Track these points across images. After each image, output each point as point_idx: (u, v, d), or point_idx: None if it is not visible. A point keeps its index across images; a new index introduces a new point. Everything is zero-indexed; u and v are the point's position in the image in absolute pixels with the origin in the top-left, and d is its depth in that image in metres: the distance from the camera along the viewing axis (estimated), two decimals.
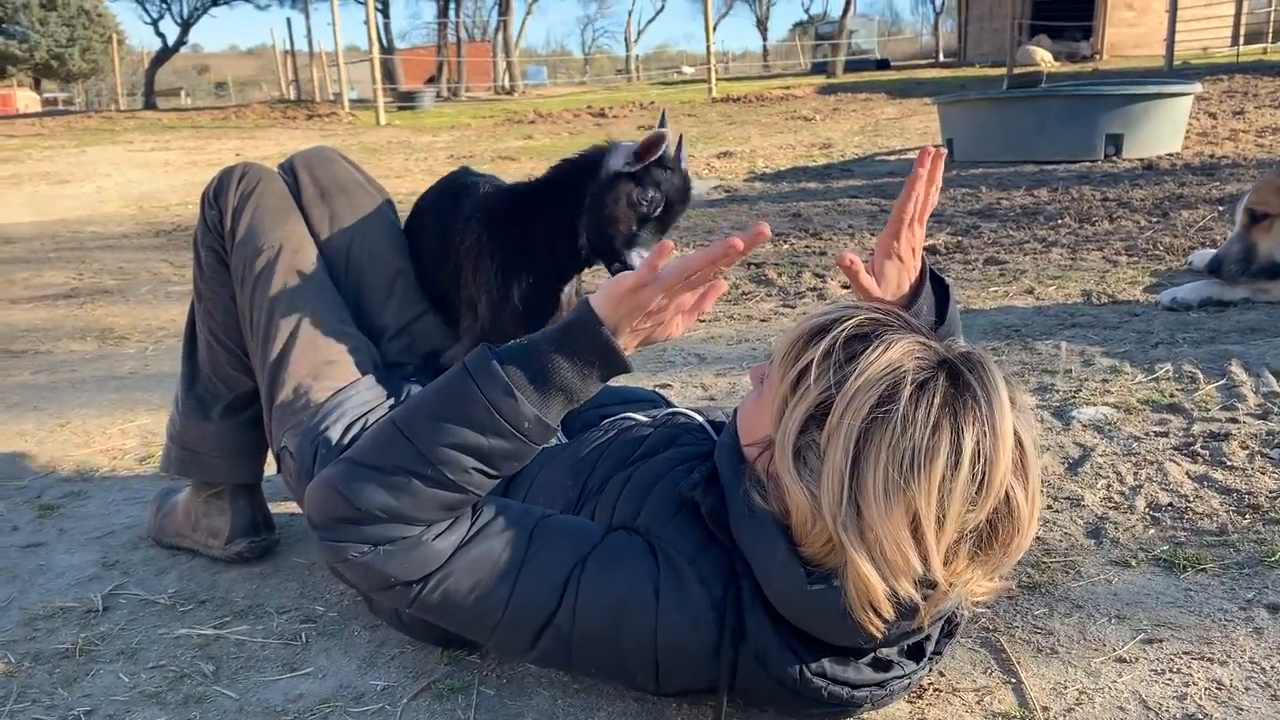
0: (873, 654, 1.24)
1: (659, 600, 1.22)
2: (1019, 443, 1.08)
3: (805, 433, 1.11)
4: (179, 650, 1.63)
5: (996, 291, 3.76)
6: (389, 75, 22.20)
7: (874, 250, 1.39)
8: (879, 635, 1.13)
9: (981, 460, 1.05)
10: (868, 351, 1.09)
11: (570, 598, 1.24)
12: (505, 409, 1.18)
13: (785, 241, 5.11)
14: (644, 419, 1.55)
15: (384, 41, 27.54)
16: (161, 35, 28.52)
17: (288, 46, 28.44)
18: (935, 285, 1.40)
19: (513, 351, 1.21)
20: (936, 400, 1.05)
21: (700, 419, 1.53)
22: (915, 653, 1.28)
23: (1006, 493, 1.07)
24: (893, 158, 8.77)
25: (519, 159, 10.21)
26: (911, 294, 1.37)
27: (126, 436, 2.75)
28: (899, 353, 1.08)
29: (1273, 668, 1.39)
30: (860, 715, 1.32)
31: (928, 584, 1.09)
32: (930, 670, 1.34)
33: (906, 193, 1.34)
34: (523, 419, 1.18)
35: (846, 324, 1.12)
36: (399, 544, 1.23)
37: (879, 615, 1.10)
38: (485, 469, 1.21)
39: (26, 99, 32.61)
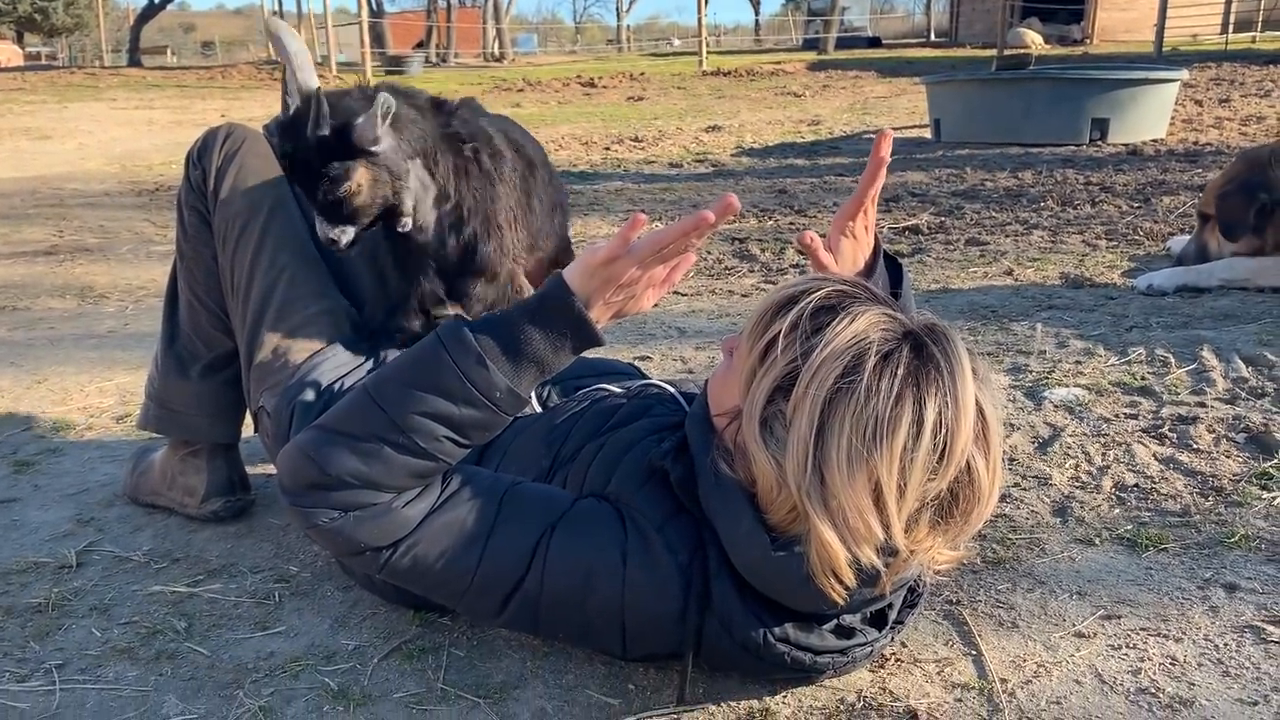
0: (835, 621, 1.27)
1: (626, 566, 1.24)
2: (981, 414, 1.10)
3: (772, 403, 1.13)
4: (152, 607, 1.64)
5: (976, 272, 3.78)
6: (377, 39, 21.99)
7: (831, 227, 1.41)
8: (841, 601, 1.16)
9: (943, 430, 1.07)
10: (834, 323, 1.10)
11: (538, 563, 1.26)
12: (477, 378, 1.19)
13: (770, 218, 5.12)
14: (617, 390, 1.57)
15: (373, 5, 27.26)
16: None
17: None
18: (889, 263, 1.42)
19: (486, 322, 1.22)
20: (900, 371, 1.07)
21: (673, 390, 1.55)
22: (878, 621, 1.31)
23: (968, 462, 1.09)
24: None
25: None
26: (866, 270, 1.39)
27: (104, 395, 2.75)
28: (864, 324, 1.10)
29: (1225, 645, 1.42)
30: (822, 682, 1.36)
31: (889, 551, 1.12)
32: (893, 639, 1.37)
33: (870, 174, 1.35)
34: (494, 389, 1.20)
35: (814, 296, 1.14)
36: (369, 510, 1.24)
37: (841, 581, 1.13)
38: (456, 438, 1.23)
39: (9, 53, 32.19)
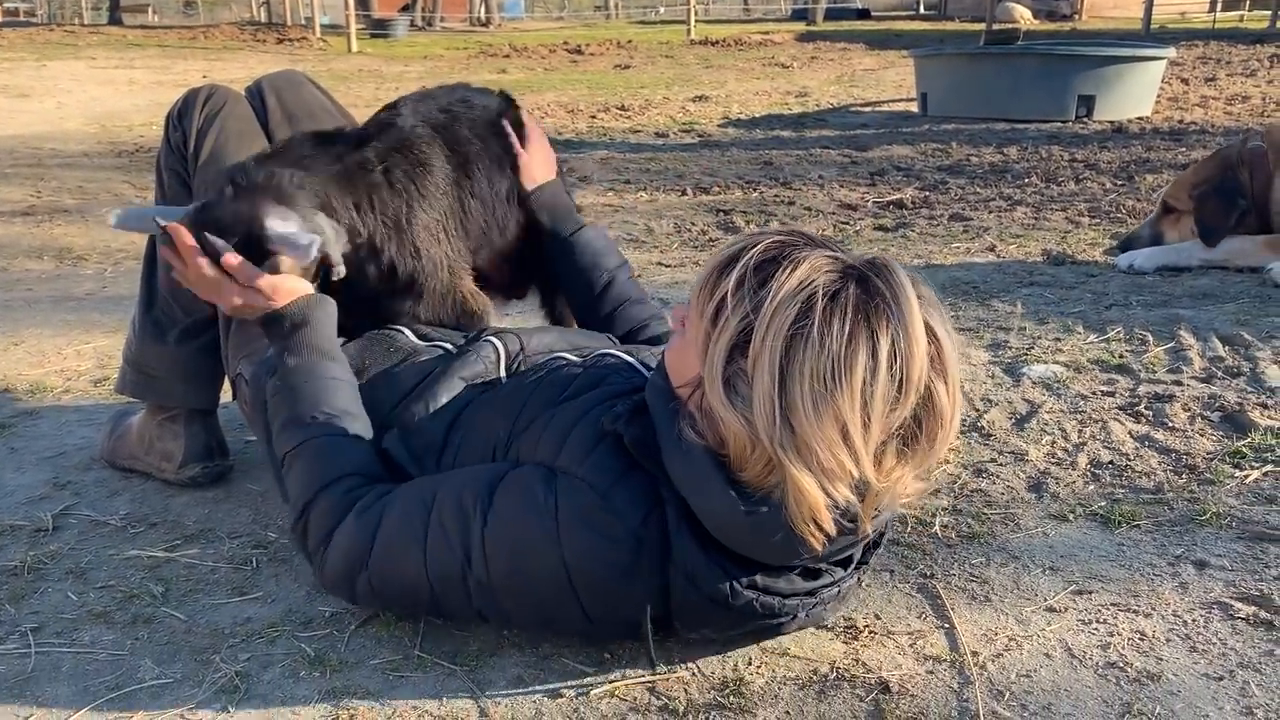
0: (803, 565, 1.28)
1: (560, 535, 1.26)
2: (935, 337, 1.13)
3: (731, 362, 1.14)
4: (128, 571, 1.64)
5: (959, 248, 3.79)
6: (362, 2, 21.72)
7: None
8: (821, 549, 1.18)
9: (899, 360, 1.09)
10: (778, 274, 1.12)
11: (476, 552, 1.29)
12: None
13: (755, 189, 5.11)
14: (575, 359, 1.58)
15: None
16: None
17: None
18: None
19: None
20: (849, 309, 1.09)
21: (630, 359, 1.55)
22: (844, 560, 1.33)
23: (927, 388, 1.12)
24: (867, 109, 8.74)
25: None
26: None
27: (82, 358, 2.73)
28: (807, 269, 1.12)
29: (1194, 621, 1.44)
30: (792, 630, 1.38)
31: (862, 486, 1.14)
32: (859, 579, 1.39)
33: None
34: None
35: (754, 251, 1.15)
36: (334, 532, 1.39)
37: (821, 528, 1.15)
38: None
39: None
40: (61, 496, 1.92)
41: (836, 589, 1.34)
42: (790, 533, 1.16)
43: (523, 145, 1.89)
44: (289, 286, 1.56)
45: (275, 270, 1.55)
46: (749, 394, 1.13)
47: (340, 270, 1.65)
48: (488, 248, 1.87)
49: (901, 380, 1.10)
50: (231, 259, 1.52)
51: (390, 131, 1.75)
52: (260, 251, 1.55)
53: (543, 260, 1.93)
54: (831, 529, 1.15)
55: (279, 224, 1.55)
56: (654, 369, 1.39)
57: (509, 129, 1.90)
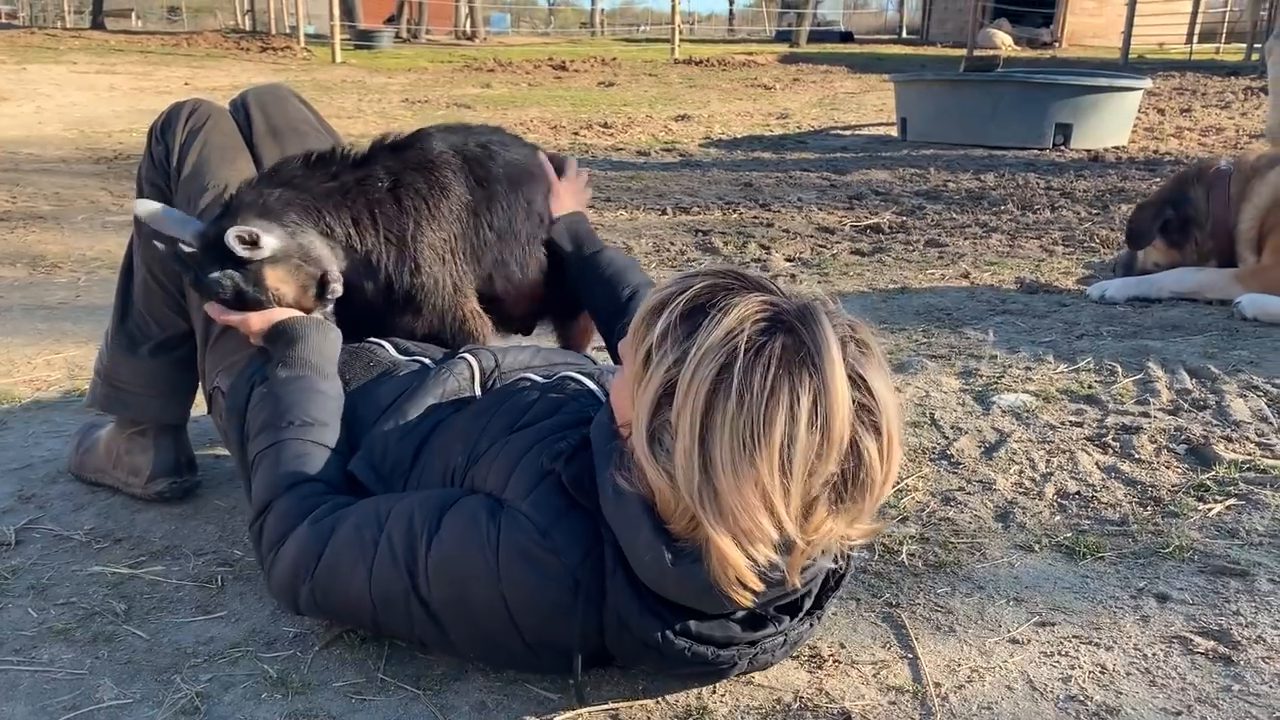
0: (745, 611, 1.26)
1: (500, 569, 1.25)
2: (867, 390, 1.09)
3: (658, 414, 1.12)
4: (91, 587, 1.63)
5: (934, 274, 3.82)
6: (348, 12, 21.71)
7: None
8: (749, 604, 1.16)
9: (819, 416, 1.06)
10: (705, 323, 1.09)
11: (421, 574, 1.29)
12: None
13: (734, 210, 5.14)
14: (538, 380, 1.56)
15: None
16: None
17: None
18: None
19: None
20: (773, 364, 1.06)
21: (591, 384, 1.53)
22: (792, 608, 1.30)
23: (854, 443, 1.08)
24: (847, 132, 8.81)
25: (475, 107, 10.08)
26: None
27: (52, 368, 2.71)
28: (735, 318, 1.08)
29: (1154, 654, 1.46)
30: (740, 676, 1.36)
31: (786, 546, 1.11)
32: (812, 626, 1.37)
33: None
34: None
35: (682, 298, 1.12)
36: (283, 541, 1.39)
37: (746, 587, 1.12)
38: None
39: None
40: (26, 509, 1.90)
41: (783, 638, 1.30)
42: (717, 587, 1.14)
43: (560, 175, 1.99)
44: (280, 318, 1.64)
45: (264, 285, 1.63)
46: (673, 448, 1.10)
47: (337, 289, 1.69)
48: (504, 280, 1.88)
49: (823, 438, 1.06)
50: (232, 317, 1.65)
51: (411, 152, 1.78)
52: (243, 266, 1.61)
53: (560, 297, 1.98)
54: (758, 586, 1.13)
55: (232, 236, 1.59)
56: (604, 403, 1.37)
57: (545, 160, 1.98)
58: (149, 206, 1.72)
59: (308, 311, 1.69)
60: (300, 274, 1.67)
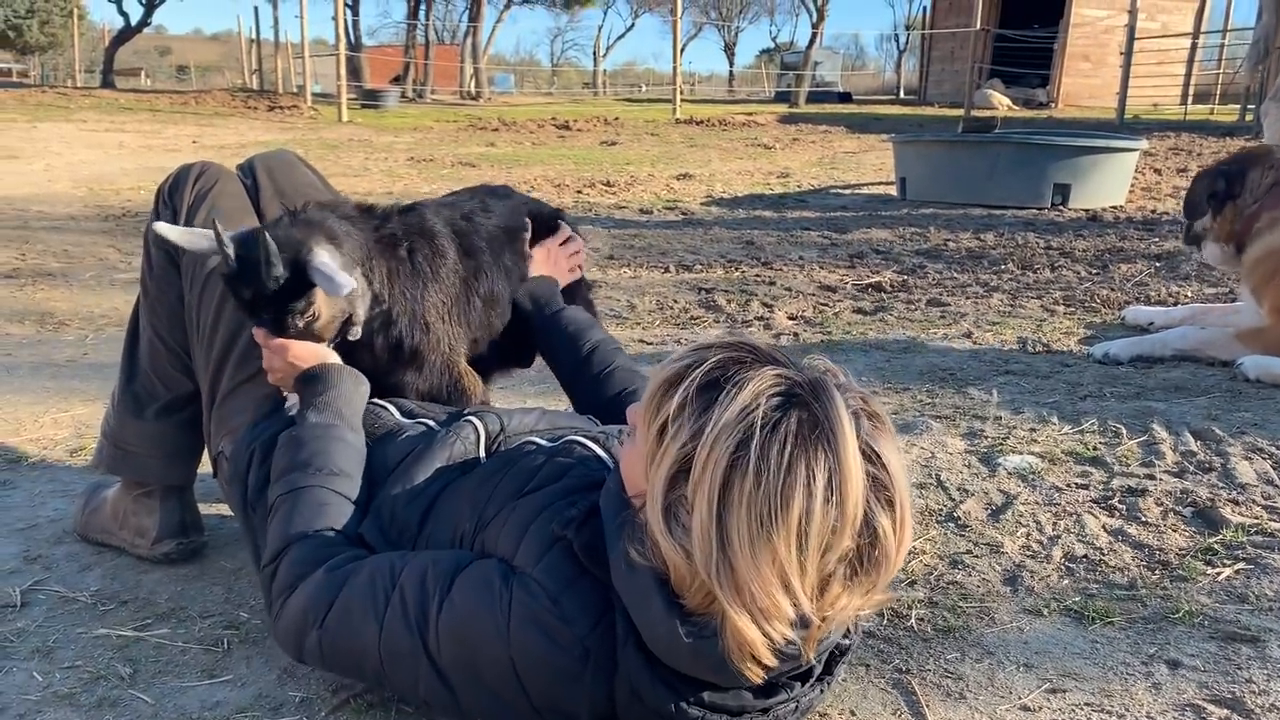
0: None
1: (510, 635, 1.24)
2: (880, 463, 1.10)
3: (673, 488, 1.12)
4: (97, 650, 1.62)
5: (936, 334, 3.84)
6: (354, 72, 22.05)
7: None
8: (760, 680, 1.16)
9: (834, 493, 1.06)
10: (720, 398, 1.10)
11: (431, 634, 1.28)
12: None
13: (736, 268, 5.17)
14: (545, 444, 1.57)
15: (351, 37, 27.36)
16: (124, 13, 27.92)
17: (253, 35, 28.12)
18: None
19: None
20: (789, 442, 1.06)
21: (597, 449, 1.54)
22: (803, 675, 1.28)
23: (866, 518, 1.09)
24: (847, 191, 8.89)
25: (479, 166, 10.19)
26: None
27: (59, 426, 2.72)
28: (751, 394, 1.09)
29: None
30: None
31: (803, 623, 1.11)
32: (822, 692, 1.35)
33: None
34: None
35: (698, 372, 1.13)
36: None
37: (760, 664, 1.12)
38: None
39: None
40: (32, 570, 1.90)
41: (795, 705, 1.29)
42: (731, 663, 1.13)
43: (538, 242, 2.05)
44: (309, 351, 1.66)
45: (310, 304, 1.64)
46: (689, 524, 1.10)
47: (357, 331, 1.72)
48: (486, 340, 1.96)
49: (839, 514, 1.07)
50: (258, 334, 1.68)
51: (414, 219, 1.85)
52: (300, 278, 1.61)
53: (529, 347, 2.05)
54: (772, 662, 1.12)
55: (325, 257, 1.61)
56: (612, 470, 1.37)
57: (526, 224, 2.04)
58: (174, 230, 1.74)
59: (317, 341, 1.71)
60: (339, 306, 1.69)
